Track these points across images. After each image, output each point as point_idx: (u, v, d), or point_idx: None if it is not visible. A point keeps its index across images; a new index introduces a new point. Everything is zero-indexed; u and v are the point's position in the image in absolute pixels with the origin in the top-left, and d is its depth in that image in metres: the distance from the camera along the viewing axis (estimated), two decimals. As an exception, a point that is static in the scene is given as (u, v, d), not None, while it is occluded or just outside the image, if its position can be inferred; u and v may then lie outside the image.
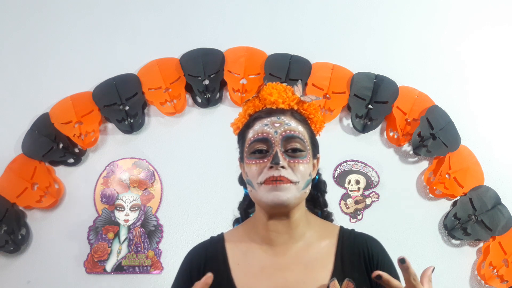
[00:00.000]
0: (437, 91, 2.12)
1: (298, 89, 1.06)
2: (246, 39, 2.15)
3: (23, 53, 2.18)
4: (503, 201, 2.03)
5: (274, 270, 0.99)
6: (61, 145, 2.06)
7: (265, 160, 0.96)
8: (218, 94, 2.11)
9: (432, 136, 2.03)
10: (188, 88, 2.12)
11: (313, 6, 2.21)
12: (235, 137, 1.10)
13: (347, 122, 2.13)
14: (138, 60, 2.14)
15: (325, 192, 1.15)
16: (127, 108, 2.07)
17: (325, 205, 1.15)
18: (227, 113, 2.12)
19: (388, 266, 1.00)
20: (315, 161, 1.04)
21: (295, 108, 1.04)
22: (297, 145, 0.97)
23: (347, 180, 2.08)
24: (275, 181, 0.93)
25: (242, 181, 1.10)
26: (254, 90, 2.07)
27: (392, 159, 2.12)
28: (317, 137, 1.09)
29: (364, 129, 2.07)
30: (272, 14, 2.20)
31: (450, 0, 2.23)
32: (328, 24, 2.20)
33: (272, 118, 1.00)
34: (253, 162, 0.98)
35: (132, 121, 2.07)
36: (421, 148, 2.04)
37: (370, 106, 2.08)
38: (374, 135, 2.13)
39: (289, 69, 2.09)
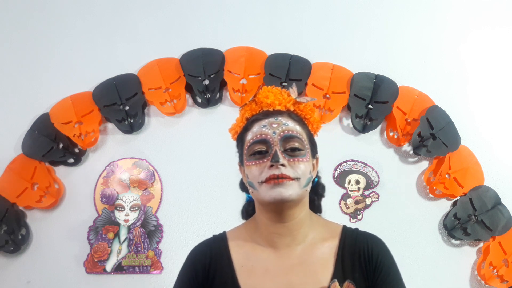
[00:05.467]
0: (437, 91, 2.12)
1: (293, 91, 1.07)
2: (246, 39, 2.16)
3: (23, 53, 2.18)
4: (503, 201, 2.03)
5: (278, 272, 0.99)
6: (61, 145, 2.06)
7: (265, 160, 0.96)
8: (218, 94, 2.11)
9: (432, 136, 2.03)
10: (188, 88, 2.11)
11: (313, 6, 2.21)
12: (235, 138, 1.10)
13: (347, 122, 2.13)
14: (138, 60, 2.14)
15: (322, 196, 1.13)
16: (127, 108, 2.07)
17: (319, 210, 1.13)
18: (227, 113, 2.12)
19: (387, 267, 0.99)
20: (314, 161, 1.04)
21: (292, 109, 1.05)
22: (296, 144, 0.98)
23: (347, 180, 2.08)
24: (277, 179, 0.93)
25: (243, 186, 1.09)
26: (254, 90, 2.07)
27: (392, 159, 2.12)
28: (317, 137, 1.09)
29: (364, 129, 2.07)
30: (272, 14, 2.20)
31: (450, 1, 2.23)
32: (328, 24, 2.20)
33: (270, 119, 1.00)
34: (253, 163, 0.98)
35: (132, 121, 2.07)
36: (421, 148, 2.04)
37: (370, 106, 2.08)
38: (374, 135, 2.12)
39: (289, 69, 2.09)
